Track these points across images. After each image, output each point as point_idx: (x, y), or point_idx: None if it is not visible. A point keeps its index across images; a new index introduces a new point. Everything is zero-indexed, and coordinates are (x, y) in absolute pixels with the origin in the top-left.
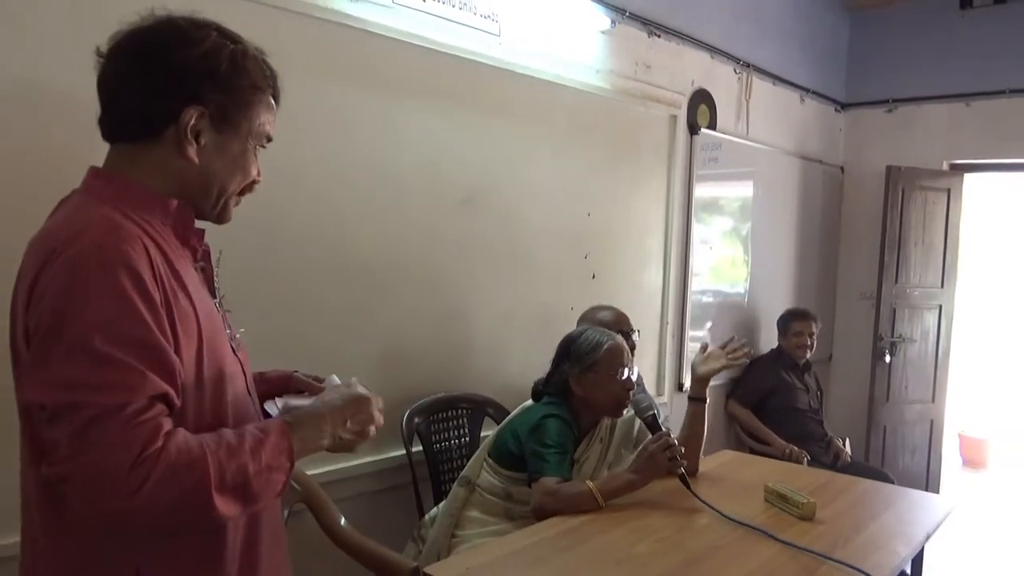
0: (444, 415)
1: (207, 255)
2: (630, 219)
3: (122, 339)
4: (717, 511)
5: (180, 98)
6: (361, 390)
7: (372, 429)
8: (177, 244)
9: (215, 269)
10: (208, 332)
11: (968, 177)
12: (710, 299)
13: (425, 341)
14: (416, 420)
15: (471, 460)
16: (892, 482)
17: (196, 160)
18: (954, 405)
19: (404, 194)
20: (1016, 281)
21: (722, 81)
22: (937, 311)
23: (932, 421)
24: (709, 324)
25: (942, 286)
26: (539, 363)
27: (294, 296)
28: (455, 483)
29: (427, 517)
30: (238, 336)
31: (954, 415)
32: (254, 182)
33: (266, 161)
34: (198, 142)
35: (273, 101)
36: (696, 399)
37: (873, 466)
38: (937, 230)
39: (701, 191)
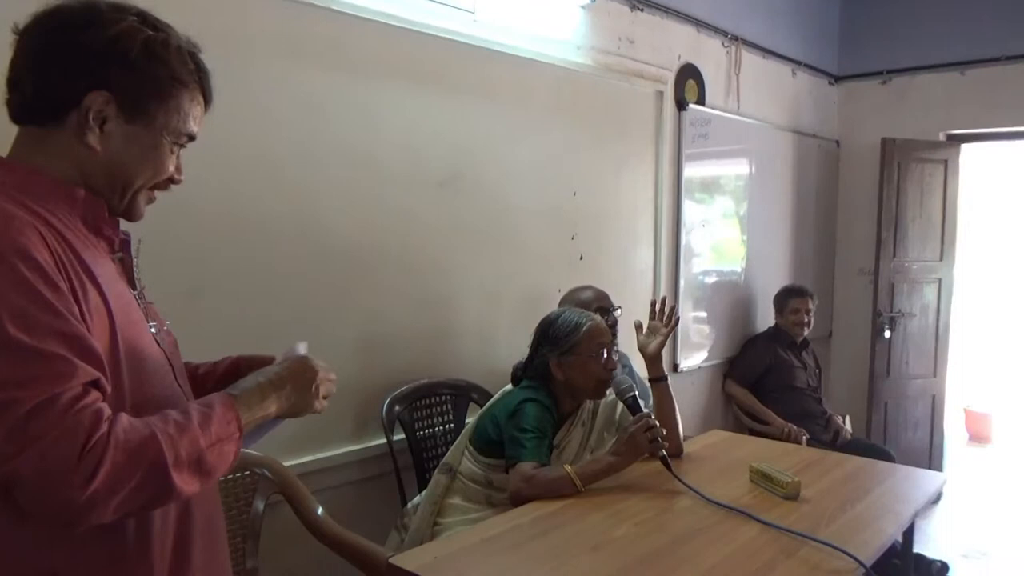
0: (427, 402)
1: (126, 245)
2: (618, 198)
3: (39, 329)
4: (698, 493)
5: (84, 81)
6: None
7: (324, 388)
8: (88, 234)
9: (135, 259)
10: (123, 324)
11: (965, 148)
12: (708, 279)
13: (406, 327)
14: (397, 408)
15: (452, 447)
16: (893, 459)
17: (98, 148)
18: (959, 380)
19: (381, 177)
20: (1017, 252)
21: (710, 55)
22: (936, 285)
23: (934, 396)
24: (691, 308)
25: (941, 259)
26: (526, 346)
27: (270, 284)
28: (436, 471)
29: (410, 505)
30: (165, 327)
31: (959, 390)
32: (171, 180)
33: (235, 147)
34: (102, 129)
35: (201, 98)
36: (656, 379)
37: (875, 443)
38: (935, 203)
39: (694, 170)
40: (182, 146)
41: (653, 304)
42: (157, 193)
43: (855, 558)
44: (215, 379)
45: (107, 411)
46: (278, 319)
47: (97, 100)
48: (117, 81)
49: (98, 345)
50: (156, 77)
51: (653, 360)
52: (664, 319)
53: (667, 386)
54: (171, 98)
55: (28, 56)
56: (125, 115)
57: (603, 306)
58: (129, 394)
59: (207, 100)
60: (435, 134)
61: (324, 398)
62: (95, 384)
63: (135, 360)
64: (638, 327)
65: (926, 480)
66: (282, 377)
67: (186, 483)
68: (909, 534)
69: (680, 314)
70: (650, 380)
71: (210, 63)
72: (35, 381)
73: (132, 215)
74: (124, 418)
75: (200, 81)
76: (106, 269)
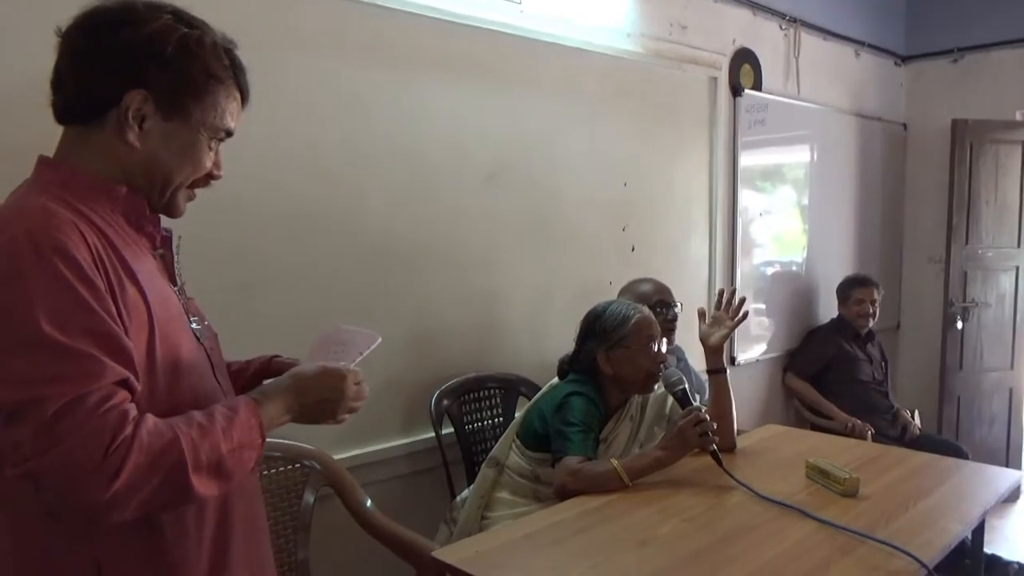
0: (475, 395)
1: (167, 241)
2: (671, 188)
3: (72, 326)
4: (749, 488)
5: (123, 80)
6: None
7: (350, 406)
8: (130, 231)
9: (176, 256)
10: (162, 321)
11: None
12: (767, 270)
13: (454, 321)
14: (445, 401)
15: (499, 441)
16: (967, 456)
17: (138, 145)
18: None
19: (428, 172)
20: None
21: (767, 38)
22: (1014, 272)
23: (1011, 389)
24: (751, 301)
25: (1019, 246)
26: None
27: (319, 280)
28: (483, 464)
29: (458, 499)
30: (207, 323)
31: None
32: (211, 176)
33: (283, 143)
34: (141, 127)
35: (238, 94)
36: (715, 371)
37: (946, 439)
38: (1011, 186)
39: (752, 158)
40: (220, 141)
41: (721, 293)
42: (198, 190)
43: (916, 558)
44: (246, 378)
45: (133, 412)
46: (326, 314)
47: (136, 98)
48: (154, 79)
49: (131, 344)
50: (192, 74)
51: (714, 351)
52: (731, 311)
53: (725, 378)
54: (207, 95)
55: (68, 57)
56: (163, 112)
57: (663, 300)
58: (165, 390)
59: (244, 96)
60: (482, 128)
61: (350, 411)
62: (124, 383)
63: (173, 356)
64: (701, 315)
65: (998, 477)
66: (314, 390)
67: (205, 486)
68: (979, 534)
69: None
70: (708, 372)
71: (255, 60)
72: (64, 379)
73: (172, 212)
74: (150, 420)
75: (236, 77)
76: (147, 266)
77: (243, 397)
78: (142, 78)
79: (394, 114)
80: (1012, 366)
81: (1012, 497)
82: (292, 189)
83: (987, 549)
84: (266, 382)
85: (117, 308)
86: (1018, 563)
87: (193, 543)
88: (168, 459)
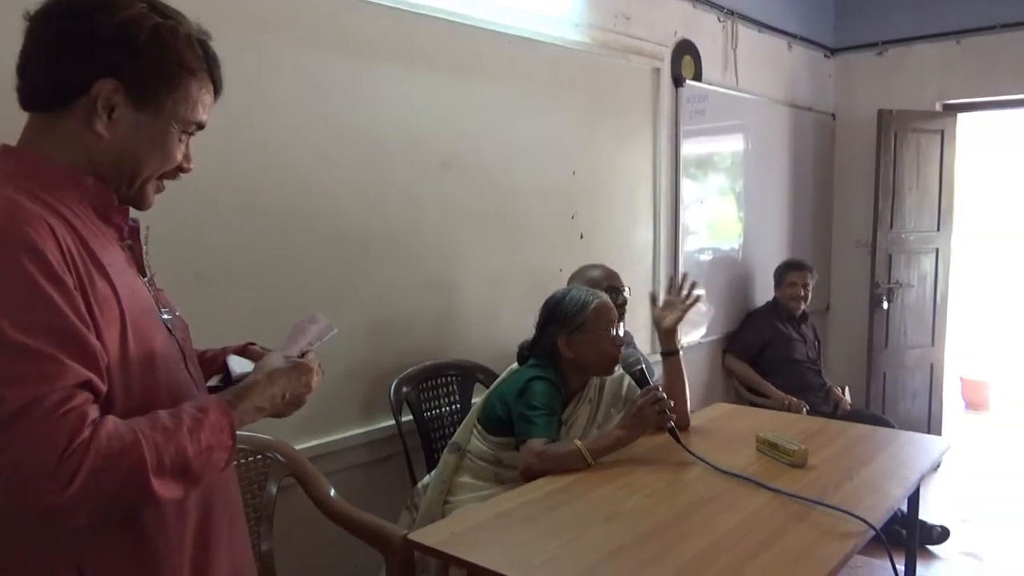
0: (433, 383)
1: (135, 232)
2: (617, 177)
3: (34, 326)
4: (707, 462)
5: (93, 68)
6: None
7: (309, 396)
8: (99, 223)
9: (144, 247)
10: (133, 313)
11: (961, 117)
12: (705, 256)
13: (412, 310)
14: (404, 389)
15: (460, 426)
16: (893, 428)
17: (106, 135)
18: (955, 349)
19: (383, 160)
20: (1013, 221)
21: (706, 31)
22: (934, 255)
23: (932, 365)
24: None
25: (938, 229)
26: (530, 326)
27: (277, 270)
28: (445, 450)
29: (420, 485)
30: (177, 314)
31: (955, 359)
32: (181, 168)
33: (239, 132)
34: (111, 117)
35: (211, 87)
36: (669, 353)
37: (874, 413)
38: (931, 173)
39: (692, 147)
40: (191, 135)
41: (671, 279)
42: (166, 182)
43: (865, 521)
44: (221, 366)
45: (93, 414)
46: (284, 304)
47: (105, 87)
48: (125, 68)
49: (97, 344)
50: (164, 65)
51: (668, 333)
52: (683, 296)
53: (679, 360)
54: (180, 86)
55: (37, 42)
56: (133, 103)
57: (613, 285)
58: (139, 383)
59: (217, 89)
60: (436, 116)
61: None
62: (86, 385)
63: (146, 349)
64: (654, 299)
65: (928, 445)
66: (284, 385)
67: (168, 490)
68: (915, 498)
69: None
70: (663, 354)
71: (214, 48)
72: (23, 381)
73: (141, 204)
74: (109, 422)
75: (210, 70)
76: (116, 258)
77: (215, 397)
78: (113, 67)
79: (349, 102)
80: (933, 343)
81: (935, 465)
82: (248, 178)
83: None
84: (230, 359)
85: (87, 303)
86: (941, 526)
87: (176, 533)
88: (127, 463)
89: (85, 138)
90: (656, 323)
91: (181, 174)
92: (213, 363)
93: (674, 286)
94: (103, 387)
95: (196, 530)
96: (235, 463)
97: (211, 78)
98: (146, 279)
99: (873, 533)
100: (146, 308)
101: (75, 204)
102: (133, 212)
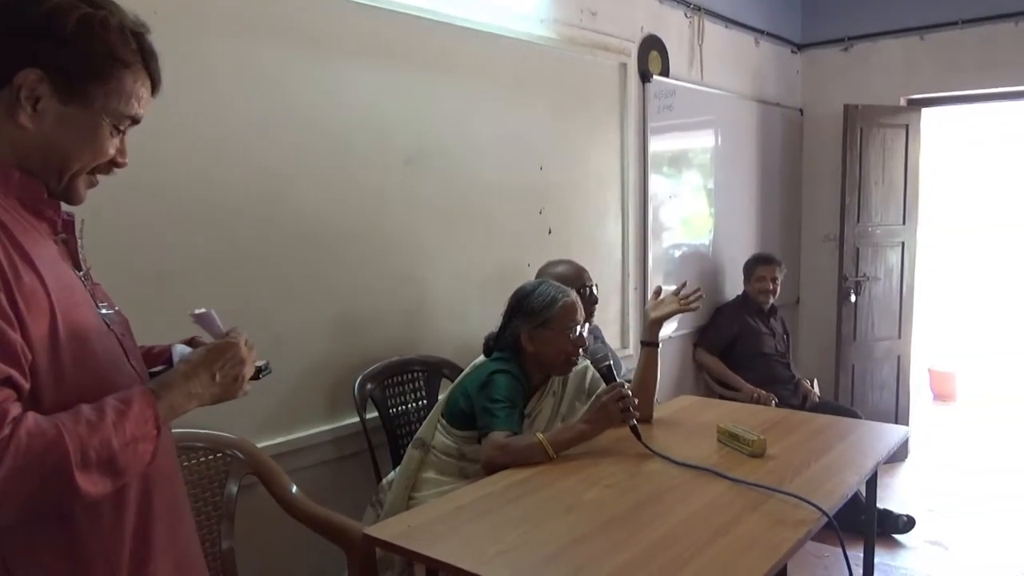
0: (399, 379)
1: (69, 226)
2: (585, 173)
3: None
4: (666, 457)
5: (16, 57)
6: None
7: (247, 371)
8: (29, 216)
9: (79, 240)
10: (65, 307)
11: (926, 112)
12: (677, 252)
13: (377, 306)
14: (369, 386)
15: (425, 422)
16: (860, 418)
17: (31, 127)
18: (923, 341)
19: (347, 155)
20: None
21: (673, 26)
22: (900, 248)
23: (899, 357)
24: (660, 280)
25: (904, 223)
26: (498, 321)
27: (238, 267)
28: (409, 445)
29: (384, 481)
30: (116, 308)
31: (923, 351)
32: (115, 163)
33: (196, 128)
34: (36, 109)
35: (147, 81)
36: (648, 344)
37: (842, 405)
38: (897, 167)
39: (661, 143)
40: (123, 130)
41: (682, 285)
42: (101, 177)
43: (818, 507)
44: (167, 358)
45: (14, 411)
46: (246, 301)
47: (29, 77)
48: (51, 59)
49: (18, 338)
50: (93, 56)
51: (653, 325)
52: (683, 301)
53: (656, 353)
54: (111, 79)
55: None
56: (60, 95)
57: (584, 284)
58: (72, 377)
59: (155, 83)
60: (400, 111)
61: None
62: (6, 381)
63: (78, 342)
64: (657, 293)
65: (888, 433)
66: (208, 368)
67: (93, 485)
68: (873, 487)
69: (640, 284)
70: (642, 343)
71: (169, 40)
72: None
73: (71, 199)
74: (30, 419)
75: (146, 63)
76: (47, 251)
77: (138, 388)
78: (37, 56)
79: (310, 97)
80: (900, 335)
81: (901, 456)
82: (209, 175)
83: (880, 505)
84: (176, 347)
85: (10, 298)
86: (906, 515)
87: (112, 532)
88: (50, 460)
89: (9, 130)
90: (646, 312)
91: (116, 169)
92: (159, 358)
93: (680, 289)
94: (25, 383)
95: (135, 528)
96: (194, 461)
97: (147, 72)
98: (81, 273)
99: (827, 520)
100: (80, 302)
101: (1, 198)
102: (81, 207)
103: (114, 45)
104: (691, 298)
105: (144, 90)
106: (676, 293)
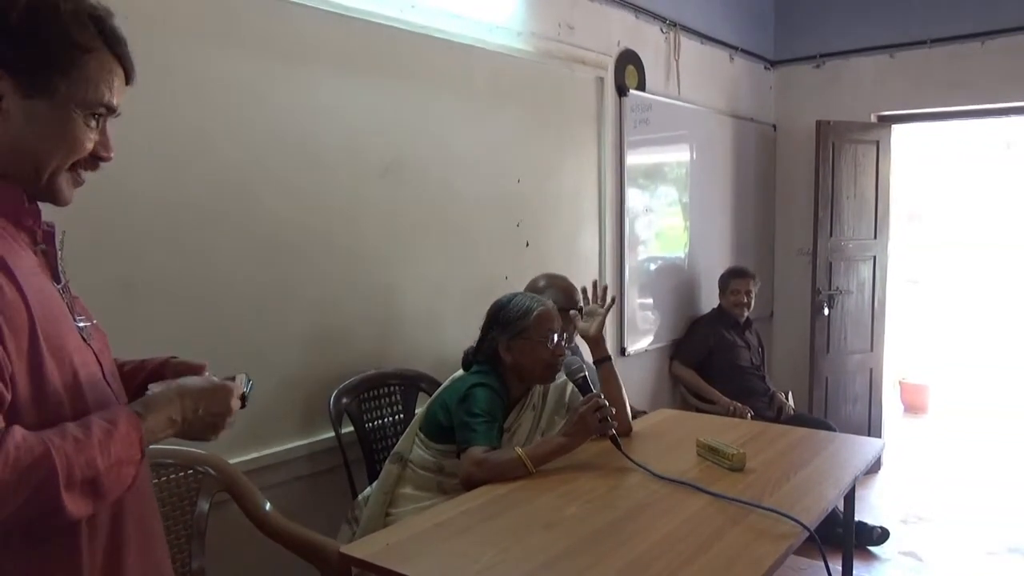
0: (375, 393)
1: (49, 236)
2: (562, 186)
3: None
4: (645, 468)
5: None
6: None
7: (228, 421)
8: (7, 225)
9: (59, 252)
10: (44, 320)
11: (896, 128)
12: (652, 265)
13: (353, 319)
14: (345, 400)
15: (403, 436)
16: (834, 431)
17: None
18: (894, 353)
19: (323, 166)
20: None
21: (649, 41)
22: (872, 262)
23: (872, 370)
24: (635, 294)
25: (875, 237)
26: (476, 335)
27: (209, 278)
28: (387, 460)
29: (360, 498)
30: (94, 323)
31: (895, 363)
32: (98, 157)
33: (169, 135)
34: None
35: (116, 66)
36: (601, 360)
37: (816, 417)
38: (868, 182)
39: (639, 157)
40: (100, 118)
41: (584, 290)
42: (87, 175)
43: (799, 522)
44: (141, 380)
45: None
46: (217, 313)
47: None
48: (3, 53)
49: (0, 351)
50: (47, 44)
51: (595, 342)
52: (600, 301)
53: (611, 366)
54: (75, 67)
55: None
56: (23, 90)
57: (572, 303)
58: (51, 393)
59: (127, 69)
60: (376, 122)
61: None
62: None
63: (57, 357)
64: (580, 311)
65: (864, 446)
66: (195, 401)
67: (77, 505)
68: (851, 499)
69: (617, 296)
70: (595, 361)
71: (136, 50)
72: None
73: (56, 199)
74: (18, 433)
75: (112, 48)
76: (25, 262)
77: (124, 409)
78: None
79: (286, 107)
80: (872, 348)
81: (874, 468)
82: (179, 185)
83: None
84: (152, 387)
85: None
86: (881, 527)
87: (83, 554)
88: (37, 475)
89: None
90: (583, 335)
91: (102, 163)
92: (133, 377)
93: (586, 296)
94: (7, 395)
95: (106, 550)
96: (164, 478)
97: (116, 57)
98: (60, 285)
99: (808, 534)
100: (59, 315)
101: None
102: (51, 214)
103: (69, 30)
104: (600, 295)
105: (113, 77)
106: (589, 302)
